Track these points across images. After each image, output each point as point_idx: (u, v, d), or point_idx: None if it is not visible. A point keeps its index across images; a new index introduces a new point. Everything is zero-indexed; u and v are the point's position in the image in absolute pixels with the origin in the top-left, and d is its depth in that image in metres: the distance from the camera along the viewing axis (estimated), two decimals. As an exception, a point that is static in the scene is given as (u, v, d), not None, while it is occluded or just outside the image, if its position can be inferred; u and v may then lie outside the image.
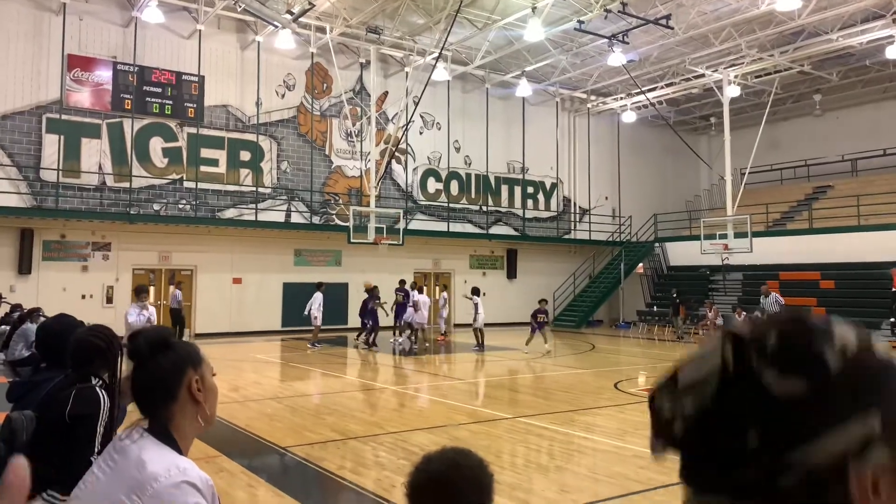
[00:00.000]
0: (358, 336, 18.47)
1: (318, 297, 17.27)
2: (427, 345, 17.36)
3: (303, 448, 7.25)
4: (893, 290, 18.31)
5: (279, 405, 9.83)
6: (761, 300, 17.99)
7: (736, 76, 23.20)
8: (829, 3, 18.59)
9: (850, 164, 27.06)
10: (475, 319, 17.47)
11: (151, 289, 17.30)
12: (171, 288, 18.15)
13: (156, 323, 8.20)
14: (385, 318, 18.45)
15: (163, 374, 1.59)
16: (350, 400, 10.55)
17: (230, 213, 20.69)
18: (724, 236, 21.88)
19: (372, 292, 17.81)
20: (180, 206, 20.05)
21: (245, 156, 21.10)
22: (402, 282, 18.94)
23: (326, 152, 22.70)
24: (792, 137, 28.46)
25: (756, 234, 21.48)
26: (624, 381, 12.36)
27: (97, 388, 2.68)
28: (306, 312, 17.30)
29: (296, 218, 21.83)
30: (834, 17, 19.58)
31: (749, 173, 23.71)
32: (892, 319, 18.22)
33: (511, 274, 26.80)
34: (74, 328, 3.02)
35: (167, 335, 1.66)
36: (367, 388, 11.90)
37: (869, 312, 19.45)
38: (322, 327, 17.70)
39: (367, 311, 17.57)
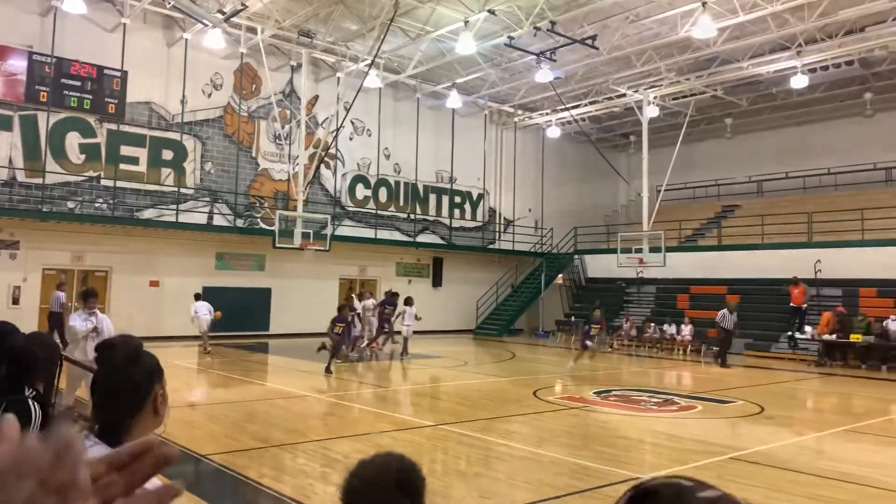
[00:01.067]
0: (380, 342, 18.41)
1: (202, 305, 17.30)
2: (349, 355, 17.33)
3: (223, 456, 7.18)
4: (791, 305, 19.65)
5: (198, 413, 9.71)
6: (724, 312, 17.69)
7: (655, 97, 24.35)
8: (742, 33, 19.84)
9: (756, 185, 28.83)
10: (406, 327, 17.46)
11: (62, 292, 16.35)
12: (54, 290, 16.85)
13: (105, 331, 7.83)
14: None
15: (136, 385, 1.61)
16: (273, 407, 10.44)
17: (149, 214, 19.98)
18: (639, 250, 22.85)
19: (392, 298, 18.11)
20: (97, 204, 19.21)
21: (167, 155, 20.44)
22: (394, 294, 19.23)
23: (253, 154, 22.27)
24: (705, 158, 30.05)
25: (669, 249, 22.53)
26: (542, 390, 12.68)
27: (29, 401, 2.59)
28: (205, 317, 17.14)
29: (219, 221, 21.30)
30: (745, 47, 20.91)
31: (664, 191, 24.90)
32: (790, 333, 19.55)
33: (437, 282, 27.03)
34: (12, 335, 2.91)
35: (140, 346, 1.67)
36: (289, 395, 11.79)
37: (770, 326, 20.81)
38: (211, 333, 17.56)
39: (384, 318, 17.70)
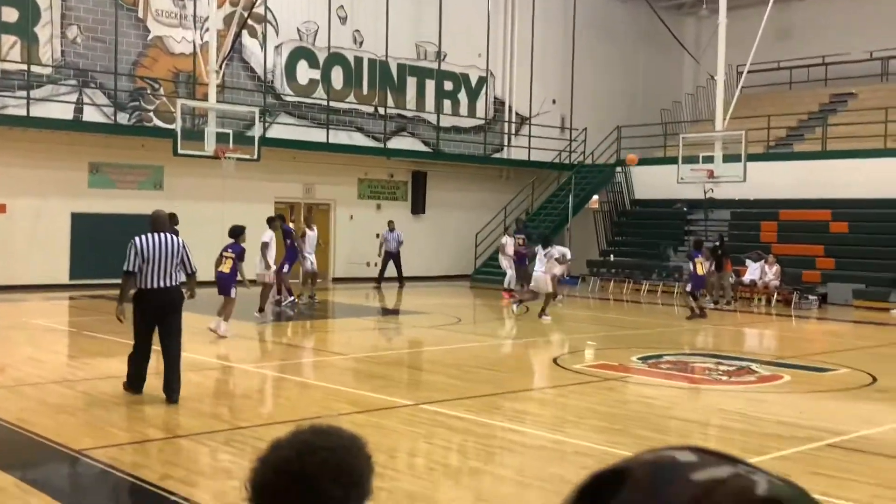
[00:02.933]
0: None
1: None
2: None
3: (107, 451, 7.24)
4: None
5: (70, 392, 9.76)
6: None
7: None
8: None
9: (880, 64, 28.49)
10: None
11: None
12: None
13: None
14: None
15: None
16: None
17: (-12, 105, 19.75)
18: (709, 159, 22.67)
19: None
20: None
21: (9, 15, 20.08)
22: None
23: (140, 15, 22.04)
24: (807, 24, 29.57)
25: (752, 158, 22.39)
26: (566, 356, 12.95)
27: None
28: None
29: (91, 115, 21.19)
30: None
31: (748, 73, 24.53)
32: None
33: (418, 207, 27.18)
34: None
35: None
36: (205, 367, 11.82)
37: (890, 266, 20.85)
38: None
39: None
